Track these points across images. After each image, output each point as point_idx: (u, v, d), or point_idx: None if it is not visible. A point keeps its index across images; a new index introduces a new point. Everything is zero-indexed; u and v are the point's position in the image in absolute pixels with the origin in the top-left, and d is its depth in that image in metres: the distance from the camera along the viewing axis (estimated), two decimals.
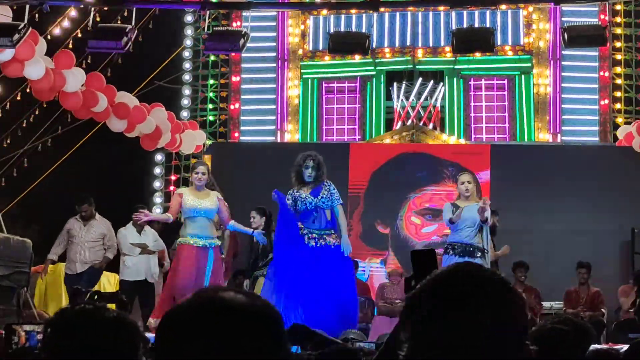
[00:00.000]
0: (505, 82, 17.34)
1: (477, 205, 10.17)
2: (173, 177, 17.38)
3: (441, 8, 16.26)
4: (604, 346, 12.24)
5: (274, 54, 17.67)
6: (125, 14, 14.29)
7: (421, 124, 16.74)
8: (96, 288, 13.88)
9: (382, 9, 15.75)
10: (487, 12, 16.63)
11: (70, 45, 14.69)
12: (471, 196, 10.20)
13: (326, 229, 9.96)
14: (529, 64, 17.14)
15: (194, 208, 10.43)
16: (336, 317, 9.40)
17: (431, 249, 2.78)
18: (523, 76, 17.17)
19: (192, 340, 1.69)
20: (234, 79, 17.78)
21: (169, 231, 13.67)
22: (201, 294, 1.76)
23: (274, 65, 17.67)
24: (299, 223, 9.97)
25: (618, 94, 16.99)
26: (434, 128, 16.75)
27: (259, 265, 11.54)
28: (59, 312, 2.48)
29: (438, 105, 17.06)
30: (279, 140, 17.41)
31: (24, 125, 15.46)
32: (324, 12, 17.47)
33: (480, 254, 10.10)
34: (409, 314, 1.85)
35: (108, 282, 14.51)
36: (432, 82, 17.16)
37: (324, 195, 9.98)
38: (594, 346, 4.39)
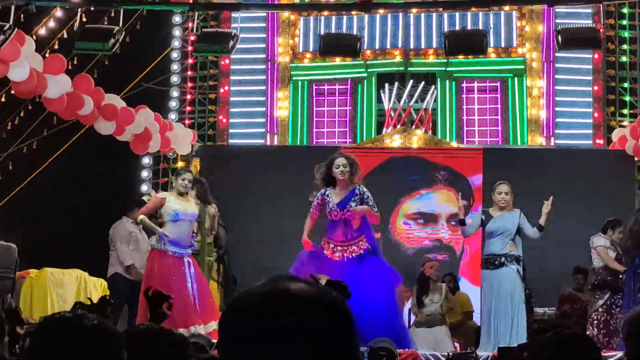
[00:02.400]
0: (498, 84, 17.18)
1: (510, 214, 10.21)
2: (161, 181, 17.17)
3: (433, 10, 16.10)
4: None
5: (264, 56, 17.48)
6: (113, 15, 14.10)
7: (413, 127, 16.57)
8: (82, 294, 13.71)
9: (373, 11, 15.58)
10: (480, 14, 16.46)
11: (57, 46, 14.48)
12: (507, 207, 10.26)
13: (352, 239, 9.74)
14: (522, 66, 16.99)
15: (177, 211, 10.39)
16: (367, 324, 9.06)
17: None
18: (516, 78, 17.01)
19: (257, 334, 1.68)
20: (223, 80, 17.58)
21: None
22: (265, 285, 1.75)
23: (264, 67, 17.48)
24: (324, 238, 9.78)
25: (612, 96, 16.87)
26: (426, 131, 16.58)
27: None
28: (42, 320, 2.48)
29: (430, 107, 16.89)
30: (268, 143, 17.23)
31: (9, 127, 15.27)
32: (315, 13, 17.30)
33: (514, 262, 10.10)
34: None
35: (94, 287, 14.30)
36: (423, 84, 16.98)
37: (351, 207, 9.74)
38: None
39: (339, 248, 9.76)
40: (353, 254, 9.71)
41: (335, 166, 9.92)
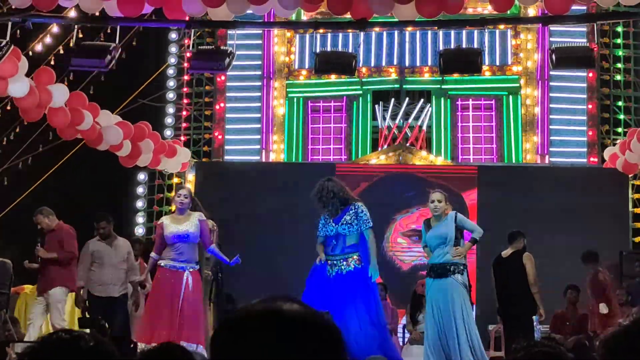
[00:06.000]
0: (493, 102, 17.24)
1: (445, 222, 10.03)
2: (156, 197, 17.19)
3: (428, 28, 16.15)
4: None
5: (260, 73, 17.53)
6: (109, 31, 14.14)
7: (407, 144, 16.61)
8: (76, 310, 13.65)
9: (369, 28, 15.63)
10: (475, 32, 16.52)
11: (53, 63, 14.50)
12: (442, 215, 10.07)
13: (343, 253, 9.73)
14: (517, 85, 17.05)
15: (172, 234, 10.30)
16: (359, 343, 9.03)
17: None
18: (511, 97, 17.07)
19: (248, 350, 1.73)
20: (218, 97, 17.62)
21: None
22: (260, 304, 1.80)
23: (260, 83, 17.53)
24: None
25: (606, 115, 16.92)
26: (421, 148, 16.62)
27: None
28: (40, 340, 2.41)
29: (425, 125, 16.93)
30: (264, 159, 17.26)
31: (5, 143, 15.27)
32: (310, 30, 17.34)
33: (454, 268, 9.90)
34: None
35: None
36: (419, 101, 17.03)
37: (347, 221, 9.73)
38: None
39: (330, 262, 9.77)
40: (343, 270, 9.71)
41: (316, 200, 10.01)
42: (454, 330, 9.75)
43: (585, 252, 13.19)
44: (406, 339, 13.41)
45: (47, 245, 11.63)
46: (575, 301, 13.19)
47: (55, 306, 11.53)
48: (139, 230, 16.83)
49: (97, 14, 11.70)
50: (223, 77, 17.43)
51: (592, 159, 16.69)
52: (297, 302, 1.80)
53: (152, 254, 10.57)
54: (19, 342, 10.98)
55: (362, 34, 16.01)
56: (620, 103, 16.94)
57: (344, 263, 9.70)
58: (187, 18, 11.73)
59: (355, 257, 9.72)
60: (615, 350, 2.36)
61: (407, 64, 17.20)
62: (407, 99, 17.08)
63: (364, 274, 9.66)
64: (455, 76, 16.43)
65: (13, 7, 11.41)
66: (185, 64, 17.05)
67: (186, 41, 16.72)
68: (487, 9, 15.39)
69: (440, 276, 9.87)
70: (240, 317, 1.80)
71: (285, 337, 1.74)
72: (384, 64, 17.28)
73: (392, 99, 17.03)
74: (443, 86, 17.08)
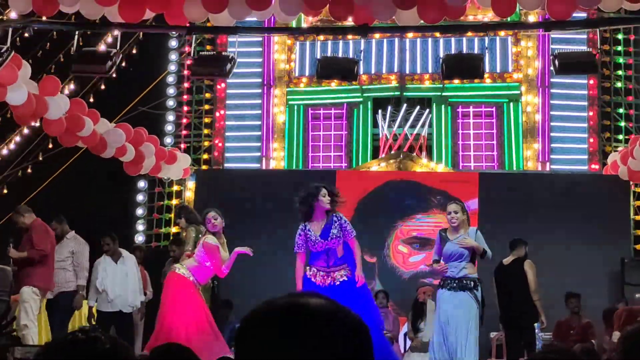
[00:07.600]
0: (494, 109, 17.21)
1: (461, 237, 10.01)
2: (156, 204, 17.14)
3: (429, 35, 16.14)
4: None
5: (260, 80, 17.51)
6: (109, 39, 14.14)
7: (408, 151, 16.57)
8: (77, 317, 13.62)
9: (370, 35, 15.63)
10: (475, 39, 16.53)
11: (53, 69, 14.50)
12: (459, 226, 10.03)
13: (336, 265, 9.70)
14: (518, 92, 17.03)
15: (226, 259, 10.29)
16: None
17: None
18: (511, 104, 17.05)
19: (273, 344, 1.70)
20: (218, 104, 17.59)
21: (153, 261, 13.45)
22: (285, 298, 1.78)
23: (260, 90, 17.51)
24: (307, 267, 9.76)
25: (607, 122, 16.90)
26: (421, 154, 16.58)
27: None
28: (51, 341, 2.39)
29: (425, 132, 16.90)
30: (264, 167, 17.23)
31: (5, 151, 15.25)
32: (311, 37, 17.34)
33: (472, 284, 9.89)
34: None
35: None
36: (419, 109, 17.01)
37: (334, 235, 9.69)
38: None
39: (321, 273, 9.73)
40: (335, 281, 9.68)
41: (322, 194, 9.83)
42: (465, 343, 9.75)
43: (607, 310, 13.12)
44: (407, 347, 13.38)
45: (21, 245, 11.59)
46: (578, 309, 13.13)
47: (22, 305, 11.51)
48: (139, 238, 16.80)
49: (98, 20, 11.69)
50: (223, 85, 17.42)
51: (593, 166, 16.65)
52: (323, 298, 1.77)
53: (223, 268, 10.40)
54: (20, 345, 10.93)
55: (362, 40, 16.02)
56: (621, 110, 16.92)
57: (337, 274, 9.69)
58: (187, 24, 11.71)
59: (346, 266, 9.73)
60: (633, 348, 2.33)
61: (407, 71, 17.18)
62: (406, 106, 17.04)
63: (354, 285, 9.66)
64: (456, 83, 16.41)
65: (14, 12, 11.40)
66: (185, 71, 17.06)
67: (186, 48, 16.71)
68: (488, 17, 15.41)
69: (456, 290, 9.87)
70: (265, 310, 1.77)
71: (311, 331, 1.71)
72: (384, 71, 17.26)
73: (392, 107, 17.00)
74: (443, 93, 17.06)
